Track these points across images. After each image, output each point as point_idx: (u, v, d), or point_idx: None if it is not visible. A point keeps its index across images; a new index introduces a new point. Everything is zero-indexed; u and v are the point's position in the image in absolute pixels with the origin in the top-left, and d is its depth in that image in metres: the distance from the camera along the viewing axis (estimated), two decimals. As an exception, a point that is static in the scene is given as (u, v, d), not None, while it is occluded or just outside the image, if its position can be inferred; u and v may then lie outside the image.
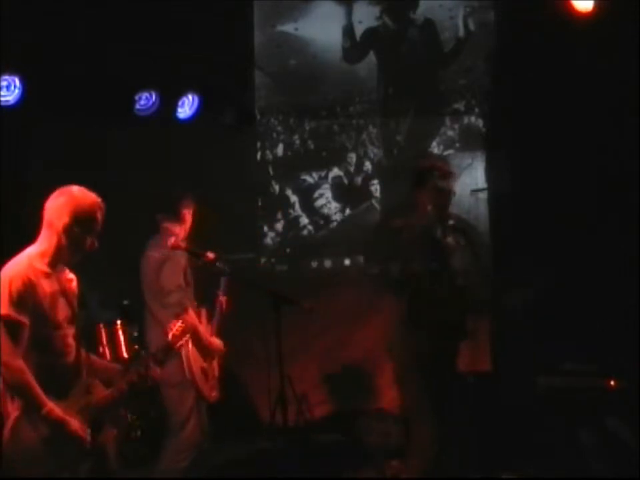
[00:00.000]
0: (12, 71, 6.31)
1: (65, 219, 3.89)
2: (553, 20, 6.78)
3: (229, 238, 6.92)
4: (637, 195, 6.76)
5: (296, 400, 6.84)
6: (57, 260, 3.92)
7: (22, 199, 4.63)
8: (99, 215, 3.94)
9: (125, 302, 6.73)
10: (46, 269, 3.89)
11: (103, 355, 6.36)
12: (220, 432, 6.06)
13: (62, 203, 3.91)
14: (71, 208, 3.89)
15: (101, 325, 6.49)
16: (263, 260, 8.11)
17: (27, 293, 3.80)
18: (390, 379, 5.26)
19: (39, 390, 3.79)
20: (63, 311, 3.91)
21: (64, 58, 6.39)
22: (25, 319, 3.78)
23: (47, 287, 3.86)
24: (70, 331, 3.95)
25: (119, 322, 6.55)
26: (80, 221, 3.89)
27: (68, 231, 3.89)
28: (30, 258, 3.89)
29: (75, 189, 3.94)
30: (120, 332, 6.54)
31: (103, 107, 6.64)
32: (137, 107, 7.02)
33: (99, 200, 3.95)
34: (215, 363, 5.70)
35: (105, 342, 6.47)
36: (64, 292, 3.94)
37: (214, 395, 5.62)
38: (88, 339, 5.81)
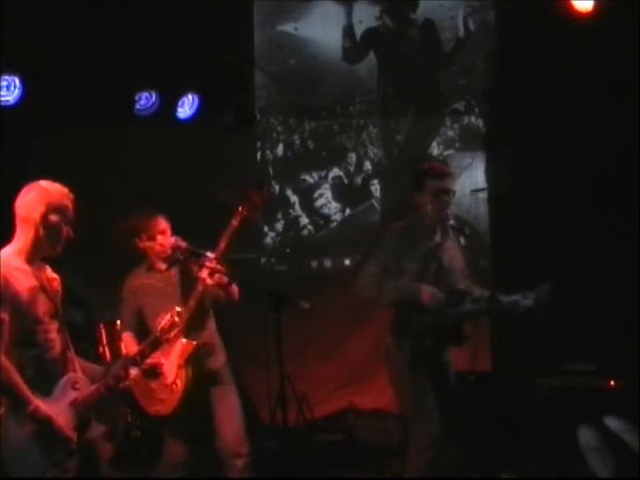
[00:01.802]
0: (12, 71, 6.31)
1: (41, 209, 3.93)
2: (552, 20, 6.78)
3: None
4: (637, 195, 6.76)
5: (296, 400, 6.85)
6: (34, 255, 3.96)
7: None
8: (70, 204, 3.99)
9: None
10: (22, 265, 3.94)
11: (103, 355, 6.36)
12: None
13: (34, 196, 3.96)
14: (44, 198, 3.95)
15: (101, 325, 6.49)
16: (263, 260, 8.11)
17: (3, 289, 3.83)
18: (394, 379, 5.25)
19: (24, 387, 3.81)
20: (43, 306, 3.94)
21: (64, 58, 6.39)
22: (4, 315, 3.81)
23: (24, 282, 3.90)
24: (52, 326, 3.97)
25: (118, 322, 6.54)
26: (55, 210, 3.94)
27: (45, 220, 3.94)
28: (5, 256, 3.94)
29: (43, 182, 4.01)
30: (120, 332, 6.53)
31: (103, 106, 6.64)
32: (137, 106, 7.02)
33: (67, 190, 4.01)
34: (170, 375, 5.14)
35: (105, 342, 6.47)
36: (44, 288, 3.97)
37: (159, 409, 5.18)
38: (88, 339, 5.82)
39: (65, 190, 4.01)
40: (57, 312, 4.01)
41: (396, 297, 4.99)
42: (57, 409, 3.88)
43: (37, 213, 3.93)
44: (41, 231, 3.94)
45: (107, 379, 4.07)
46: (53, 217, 3.94)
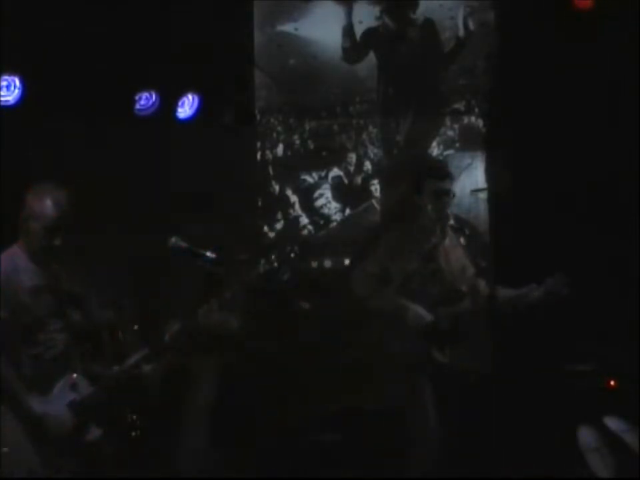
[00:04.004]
0: (12, 71, 6.31)
1: (41, 210, 4.06)
2: (553, 19, 6.78)
3: (229, 238, 6.92)
4: (637, 195, 6.76)
5: (296, 400, 6.85)
6: (38, 253, 3.98)
7: (22, 199, 4.68)
8: (68, 203, 4.02)
9: (125, 302, 6.73)
10: (27, 264, 3.96)
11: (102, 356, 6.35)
12: (220, 432, 6.07)
13: (34, 198, 4.10)
14: (44, 200, 4.07)
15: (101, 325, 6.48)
16: (262, 260, 8.09)
17: (5, 288, 3.85)
18: (390, 379, 5.27)
19: (18, 386, 3.82)
20: (46, 305, 3.96)
21: (64, 58, 6.39)
22: (3, 314, 3.83)
23: (27, 281, 3.93)
24: (55, 325, 3.98)
25: (118, 322, 6.54)
26: (53, 211, 4.04)
27: (44, 220, 4.03)
28: (10, 255, 3.97)
29: (42, 184, 4.13)
30: (120, 332, 6.53)
31: (103, 107, 6.64)
32: (137, 106, 7.02)
33: (65, 190, 4.00)
34: None
35: (104, 342, 6.46)
36: (48, 287, 3.99)
37: None
38: (88, 339, 5.80)
39: (63, 190, 4.05)
40: (61, 311, 4.02)
41: (384, 307, 5.00)
42: (54, 408, 3.88)
43: (36, 214, 3.96)
44: (41, 231, 3.97)
45: (108, 381, 4.07)
46: (52, 217, 3.97)
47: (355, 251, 7.90)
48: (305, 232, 8.15)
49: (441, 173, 5.20)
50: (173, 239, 5.33)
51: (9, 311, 3.85)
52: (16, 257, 3.98)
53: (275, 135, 8.16)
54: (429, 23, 7.93)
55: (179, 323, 4.23)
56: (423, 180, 5.14)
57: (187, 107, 7.29)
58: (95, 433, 4.04)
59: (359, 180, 8.17)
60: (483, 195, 7.87)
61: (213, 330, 5.42)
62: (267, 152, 8.16)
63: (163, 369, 5.05)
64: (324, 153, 8.18)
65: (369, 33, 7.97)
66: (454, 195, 5.23)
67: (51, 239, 3.99)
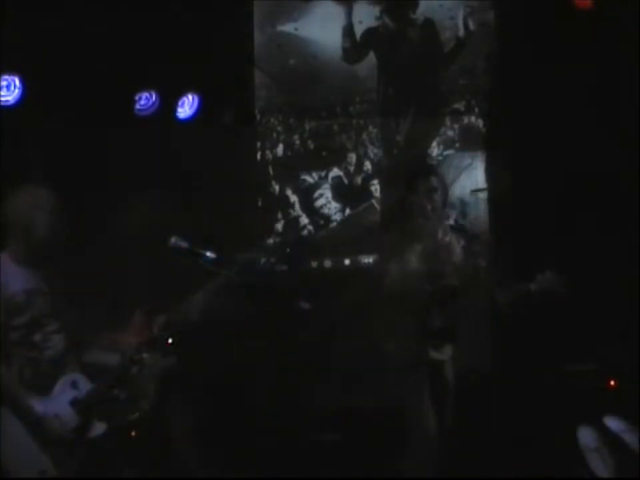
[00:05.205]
0: (12, 71, 6.31)
1: (20, 211, 4.07)
2: (552, 19, 6.79)
3: (229, 238, 6.93)
4: (637, 195, 6.76)
5: (296, 400, 6.85)
6: (28, 256, 4.00)
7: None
8: (49, 203, 4.06)
9: (125, 301, 6.72)
10: (18, 268, 3.97)
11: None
12: (220, 432, 6.07)
13: (12, 200, 4.11)
14: (21, 201, 4.07)
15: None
16: (262, 260, 8.10)
17: None
18: (390, 379, 5.27)
19: (18, 387, 3.82)
20: (40, 307, 3.97)
21: (64, 58, 6.39)
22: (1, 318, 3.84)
23: (19, 285, 3.94)
24: (51, 327, 3.99)
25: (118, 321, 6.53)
26: (33, 210, 4.04)
27: (25, 221, 4.03)
28: (2, 257, 3.98)
29: (19, 186, 4.11)
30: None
31: (103, 107, 6.64)
32: (137, 106, 7.02)
33: (43, 189, 4.02)
34: None
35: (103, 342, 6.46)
36: (42, 289, 3.99)
37: None
38: (86, 339, 5.81)
39: (41, 189, 4.07)
40: (57, 312, 4.03)
41: None
42: (55, 408, 3.89)
43: (17, 216, 3.98)
44: (26, 232, 3.97)
45: (107, 379, 4.08)
46: (32, 217, 3.99)
47: (355, 250, 7.92)
48: (305, 232, 8.16)
49: (429, 170, 5.22)
50: (173, 239, 5.33)
51: (5, 315, 3.85)
52: (5, 263, 3.98)
53: (275, 134, 8.16)
54: (428, 23, 7.93)
55: (166, 315, 4.24)
56: (417, 181, 5.15)
57: (186, 106, 7.29)
58: (97, 429, 4.05)
59: (359, 180, 8.17)
60: (483, 195, 7.88)
61: (208, 317, 5.35)
62: (267, 152, 8.16)
63: (162, 367, 5.04)
64: (324, 153, 8.18)
65: (369, 32, 7.97)
66: (449, 193, 5.25)
67: (53, 229, 3.99)
